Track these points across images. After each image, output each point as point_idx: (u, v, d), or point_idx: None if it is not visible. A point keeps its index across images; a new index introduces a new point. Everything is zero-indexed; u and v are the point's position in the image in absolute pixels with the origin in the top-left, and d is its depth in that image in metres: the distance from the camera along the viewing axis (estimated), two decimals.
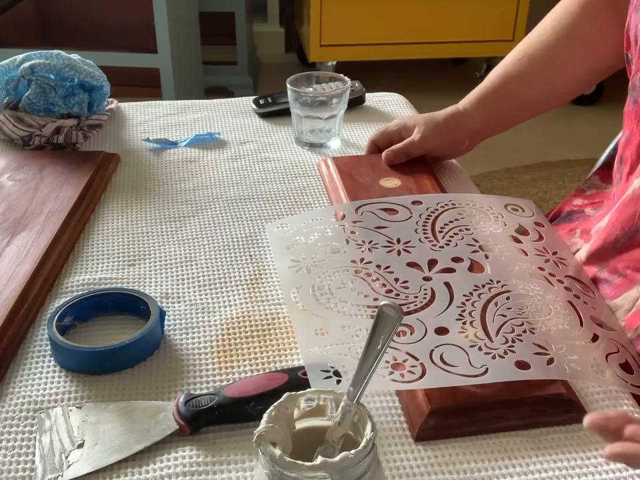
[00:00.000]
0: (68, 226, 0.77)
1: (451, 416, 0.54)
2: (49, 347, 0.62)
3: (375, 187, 0.82)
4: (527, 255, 0.70)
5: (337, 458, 0.40)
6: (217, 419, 0.55)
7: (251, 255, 0.75)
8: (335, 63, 2.78)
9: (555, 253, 0.71)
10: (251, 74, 2.84)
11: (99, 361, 0.60)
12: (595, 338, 0.61)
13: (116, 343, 0.60)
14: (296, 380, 0.55)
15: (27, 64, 0.95)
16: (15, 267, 0.69)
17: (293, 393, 0.44)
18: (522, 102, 0.86)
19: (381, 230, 0.73)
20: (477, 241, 0.72)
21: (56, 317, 0.62)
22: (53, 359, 0.61)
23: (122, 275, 0.72)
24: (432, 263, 0.68)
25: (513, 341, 0.59)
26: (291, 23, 3.17)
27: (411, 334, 0.59)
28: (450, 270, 0.67)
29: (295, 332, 0.63)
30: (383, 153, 0.88)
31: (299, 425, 0.45)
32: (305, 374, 0.55)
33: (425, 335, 0.59)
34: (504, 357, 0.57)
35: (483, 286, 0.65)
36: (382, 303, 0.45)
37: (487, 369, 0.56)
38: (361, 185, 0.82)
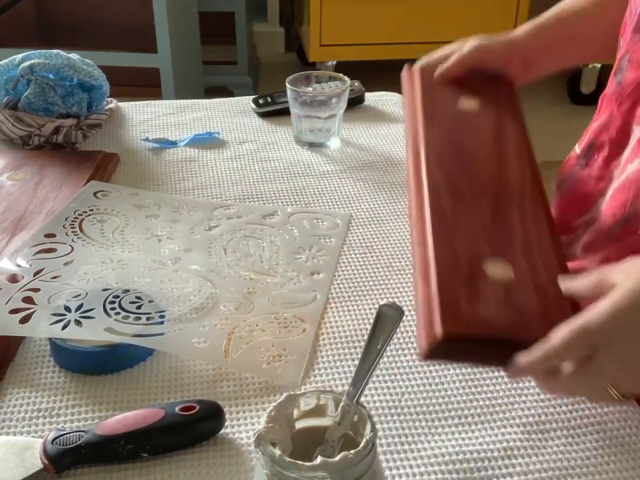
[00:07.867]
0: None
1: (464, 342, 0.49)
2: (49, 347, 0.62)
3: (451, 109, 0.76)
4: None
5: (337, 458, 0.40)
6: (85, 458, 0.51)
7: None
8: (334, 62, 2.78)
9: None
10: (251, 74, 2.84)
11: (98, 361, 0.60)
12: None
13: (115, 343, 0.60)
14: (172, 416, 0.52)
15: (26, 63, 0.95)
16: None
17: (292, 392, 0.44)
18: (574, 39, 0.84)
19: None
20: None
21: None
22: (52, 359, 0.61)
23: None
24: None
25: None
26: (291, 23, 3.17)
27: None
28: None
29: None
30: (436, 72, 0.79)
31: (299, 425, 0.45)
32: (182, 409, 0.53)
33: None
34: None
35: None
36: (381, 303, 0.45)
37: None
38: (439, 105, 0.76)
